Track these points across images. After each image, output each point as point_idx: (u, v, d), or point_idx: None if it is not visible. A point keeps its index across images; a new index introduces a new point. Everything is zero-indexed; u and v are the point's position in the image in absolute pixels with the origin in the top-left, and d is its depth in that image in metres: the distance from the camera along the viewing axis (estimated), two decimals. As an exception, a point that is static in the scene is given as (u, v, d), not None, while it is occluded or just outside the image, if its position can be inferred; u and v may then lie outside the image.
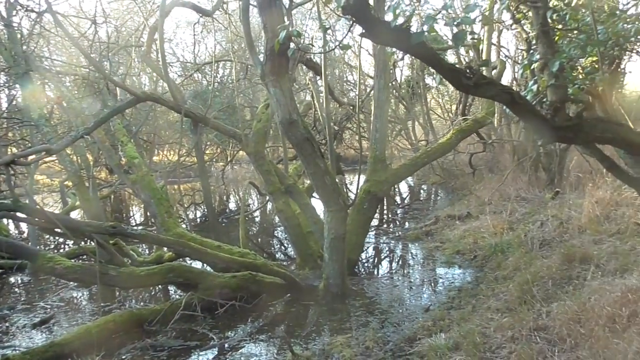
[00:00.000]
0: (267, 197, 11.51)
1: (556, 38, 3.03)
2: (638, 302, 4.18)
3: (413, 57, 18.50)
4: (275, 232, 12.37)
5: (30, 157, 7.23)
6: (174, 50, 18.85)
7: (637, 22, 3.18)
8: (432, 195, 16.91)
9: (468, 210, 10.73)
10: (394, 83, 16.94)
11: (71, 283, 7.62)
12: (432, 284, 7.37)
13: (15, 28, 9.66)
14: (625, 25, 2.99)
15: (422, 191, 17.83)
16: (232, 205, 17.62)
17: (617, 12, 3.66)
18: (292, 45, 4.44)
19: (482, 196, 11.22)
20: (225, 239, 8.40)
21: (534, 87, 2.75)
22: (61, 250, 10.43)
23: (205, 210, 14.50)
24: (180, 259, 7.76)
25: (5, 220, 11.36)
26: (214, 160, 19.11)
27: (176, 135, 15.91)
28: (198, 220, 14.81)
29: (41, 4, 10.45)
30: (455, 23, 2.23)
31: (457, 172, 15.93)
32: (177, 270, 6.37)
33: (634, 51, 3.77)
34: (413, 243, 9.76)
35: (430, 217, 11.34)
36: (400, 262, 9.06)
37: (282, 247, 10.79)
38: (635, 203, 7.05)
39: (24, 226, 13.19)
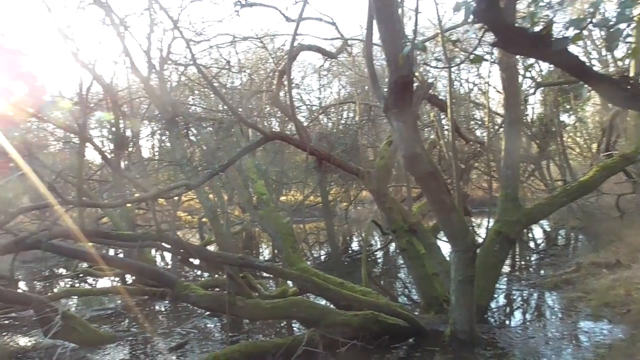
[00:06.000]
0: (390, 237, 11.29)
1: None
2: None
3: (545, 93, 17.42)
4: (399, 273, 12.02)
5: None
6: (301, 96, 19.84)
7: None
8: (572, 241, 15.38)
9: (617, 258, 9.51)
10: (525, 120, 15.97)
11: (204, 312, 8.04)
12: (575, 339, 6.52)
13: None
14: None
15: (559, 236, 16.31)
16: (354, 245, 17.60)
17: None
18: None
19: (634, 243, 9.90)
20: (347, 278, 8.29)
21: None
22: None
23: (329, 248, 14.66)
24: (304, 295, 7.83)
25: (153, 252, 12.67)
26: (338, 200, 19.37)
27: (302, 176, 16.52)
28: (322, 258, 14.98)
29: (187, 57, 11.74)
30: (609, 23, 1.94)
31: (601, 215, 14.34)
32: (300, 305, 6.42)
33: None
34: (550, 292, 8.83)
35: (571, 264, 10.23)
36: (535, 312, 8.22)
37: (406, 290, 10.40)
38: None
39: (168, 258, 14.56)
